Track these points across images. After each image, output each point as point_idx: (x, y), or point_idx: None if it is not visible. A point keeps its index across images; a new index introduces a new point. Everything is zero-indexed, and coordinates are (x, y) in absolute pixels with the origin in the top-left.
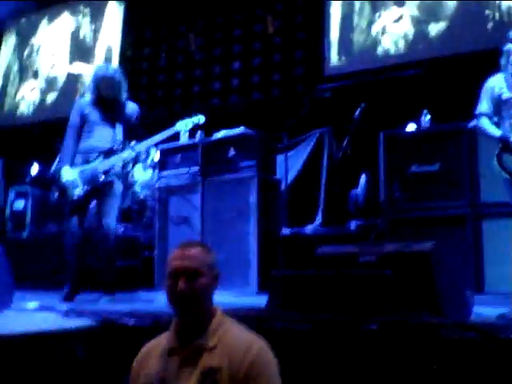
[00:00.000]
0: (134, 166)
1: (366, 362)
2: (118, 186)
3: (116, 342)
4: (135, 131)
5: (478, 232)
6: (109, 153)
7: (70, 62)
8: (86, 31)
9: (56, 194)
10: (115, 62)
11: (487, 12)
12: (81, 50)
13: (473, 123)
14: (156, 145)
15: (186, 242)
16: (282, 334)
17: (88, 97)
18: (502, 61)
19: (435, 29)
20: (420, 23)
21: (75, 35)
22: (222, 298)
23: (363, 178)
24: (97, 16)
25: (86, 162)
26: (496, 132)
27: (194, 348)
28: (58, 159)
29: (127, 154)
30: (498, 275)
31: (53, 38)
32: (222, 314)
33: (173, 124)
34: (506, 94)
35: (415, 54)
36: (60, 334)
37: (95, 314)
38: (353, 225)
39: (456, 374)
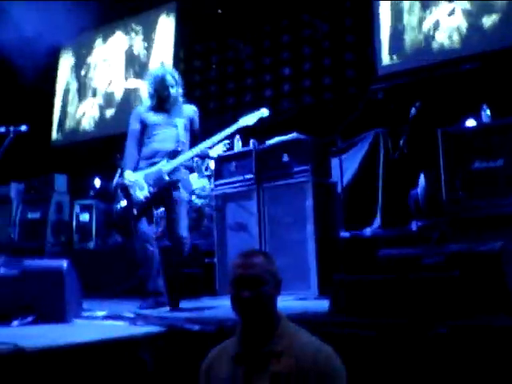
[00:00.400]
0: (190, 173)
1: (434, 368)
2: (184, 194)
3: (182, 347)
4: (196, 132)
5: None
6: (173, 154)
7: (126, 79)
8: (139, 48)
9: (121, 202)
10: None
11: None
12: (135, 67)
13: None
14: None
15: (248, 250)
16: (347, 339)
17: (146, 102)
18: None
19: (489, 21)
20: (472, 16)
21: (129, 52)
22: (284, 302)
23: (422, 177)
24: (149, 32)
25: (151, 165)
26: None
27: (261, 354)
28: (118, 173)
29: (192, 153)
30: None
31: (108, 56)
32: (287, 320)
33: (236, 120)
34: None
35: (470, 48)
36: (127, 341)
37: (161, 320)
38: (414, 226)
39: None
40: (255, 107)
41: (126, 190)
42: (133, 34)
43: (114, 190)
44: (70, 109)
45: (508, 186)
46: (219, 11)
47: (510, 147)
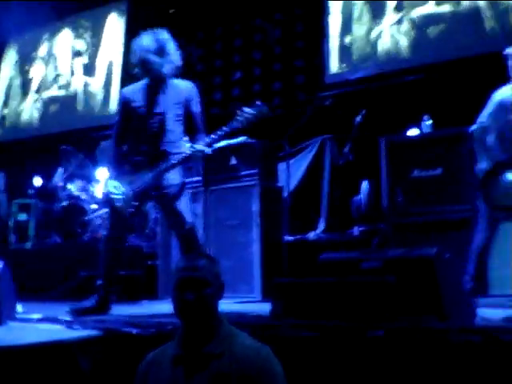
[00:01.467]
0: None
1: (371, 369)
2: (174, 189)
3: (120, 351)
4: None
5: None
6: (158, 156)
7: (72, 75)
8: (86, 45)
9: (99, 211)
10: (117, 76)
11: (485, 14)
12: (82, 64)
13: (473, 127)
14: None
15: (192, 253)
16: (287, 341)
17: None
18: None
19: (435, 32)
20: (419, 27)
21: (76, 49)
22: (227, 305)
23: (365, 184)
24: (97, 30)
25: (134, 169)
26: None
27: (201, 355)
28: (59, 171)
29: (176, 159)
30: (501, 278)
31: (54, 52)
32: (227, 322)
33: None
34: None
35: (415, 59)
36: (64, 344)
37: (99, 324)
38: (356, 231)
39: (463, 378)
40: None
41: (110, 203)
42: (81, 31)
43: (53, 190)
44: (12, 104)
45: (445, 194)
46: (171, 11)
47: (449, 157)
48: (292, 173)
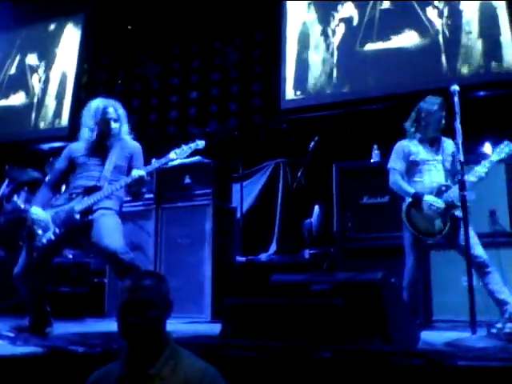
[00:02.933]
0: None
1: None
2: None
3: (65, 369)
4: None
5: (426, 262)
6: (90, 190)
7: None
8: (40, 58)
9: (24, 234)
10: (69, 87)
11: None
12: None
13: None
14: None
15: (139, 271)
16: (235, 361)
17: (84, 136)
18: (407, 124)
19: (388, 66)
20: (373, 60)
21: (28, 64)
22: (176, 325)
23: (317, 208)
24: (54, 41)
25: (66, 202)
26: (409, 189)
27: (146, 376)
28: (5, 183)
29: (109, 189)
30: (444, 303)
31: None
32: (174, 343)
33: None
34: (412, 156)
35: (367, 91)
36: (6, 360)
37: (43, 341)
38: (306, 254)
39: None
40: (160, 127)
41: (29, 228)
42: (35, 44)
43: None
44: None
45: (392, 221)
46: (129, 27)
47: None
48: (246, 194)
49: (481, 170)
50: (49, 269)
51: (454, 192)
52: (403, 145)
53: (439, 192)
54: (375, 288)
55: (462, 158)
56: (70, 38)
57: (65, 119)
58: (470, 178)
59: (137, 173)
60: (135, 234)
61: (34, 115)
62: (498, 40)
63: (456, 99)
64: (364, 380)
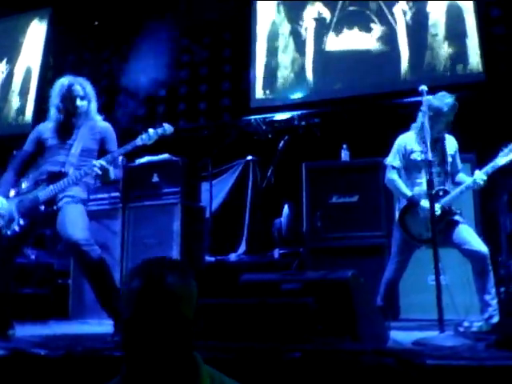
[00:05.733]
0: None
1: None
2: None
3: (27, 372)
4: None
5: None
6: (54, 176)
7: None
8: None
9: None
10: (34, 83)
11: (401, 53)
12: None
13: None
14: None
15: (151, 262)
16: (205, 362)
17: (52, 117)
18: (419, 117)
19: (357, 67)
20: (340, 61)
21: None
22: None
23: (286, 208)
24: (18, 37)
25: (31, 189)
26: (407, 191)
27: None
28: None
29: (75, 175)
30: (412, 303)
31: None
32: (207, 366)
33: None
34: (414, 155)
35: (337, 91)
36: None
37: (6, 344)
38: (276, 253)
39: None
40: (127, 126)
41: None
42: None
43: None
44: None
45: (361, 220)
46: (96, 23)
47: (365, 185)
48: (215, 193)
49: (480, 176)
50: (14, 263)
51: (451, 197)
52: (405, 141)
53: (437, 196)
54: (345, 287)
55: (430, 156)
56: (36, 33)
57: (29, 116)
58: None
59: (97, 162)
60: (101, 234)
61: None
62: (463, 43)
63: (424, 98)
64: (334, 380)
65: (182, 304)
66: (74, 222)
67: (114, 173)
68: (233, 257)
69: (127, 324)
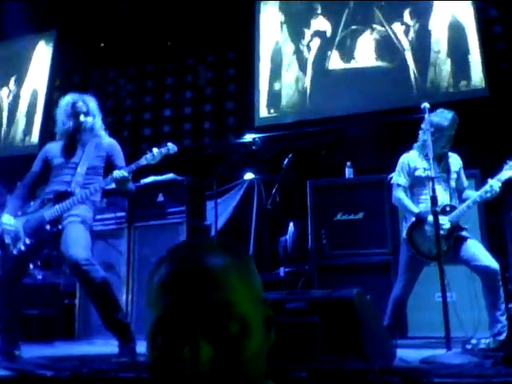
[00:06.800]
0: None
1: None
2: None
3: None
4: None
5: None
6: (61, 196)
7: None
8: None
9: None
10: (40, 105)
11: (410, 72)
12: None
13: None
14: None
15: (187, 242)
16: None
17: (60, 135)
18: (420, 136)
19: (359, 85)
20: (344, 80)
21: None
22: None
23: (291, 226)
24: (25, 59)
25: (37, 209)
26: (414, 208)
27: None
28: None
29: (82, 194)
30: (420, 320)
31: None
32: None
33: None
34: (418, 172)
35: (340, 109)
36: None
37: (11, 364)
38: (281, 271)
39: None
40: (133, 146)
41: (0, 238)
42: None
43: None
44: None
45: (366, 237)
46: (101, 45)
47: (370, 202)
48: (220, 212)
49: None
50: (20, 283)
51: (459, 212)
52: (409, 159)
53: (443, 212)
54: (350, 305)
55: (433, 173)
56: (42, 55)
57: (35, 137)
58: (495, 184)
59: (117, 173)
60: (107, 253)
61: (2, 132)
62: (466, 59)
63: (426, 116)
64: None
65: (231, 294)
66: (76, 242)
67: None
68: None
69: (158, 325)
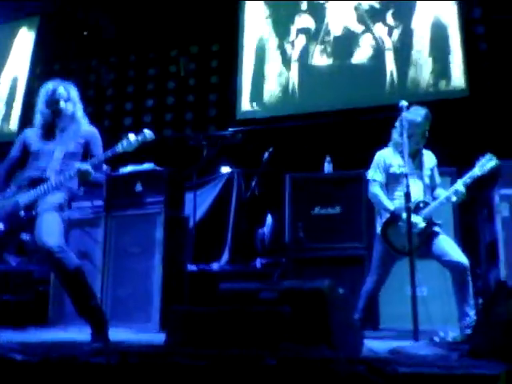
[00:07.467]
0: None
1: None
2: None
3: (2, 377)
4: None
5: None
6: (36, 181)
7: None
8: None
9: None
10: (20, 92)
11: (388, 69)
12: None
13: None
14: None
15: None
16: (180, 370)
17: (37, 120)
18: (394, 134)
19: (340, 81)
20: (325, 76)
21: None
22: (121, 334)
23: (269, 218)
24: (6, 45)
25: (14, 194)
26: (389, 205)
27: None
28: None
29: (57, 180)
30: (391, 313)
31: None
32: None
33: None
34: (393, 169)
35: (321, 105)
36: None
37: None
38: (258, 263)
39: None
40: (114, 135)
41: None
42: None
43: None
44: None
45: (342, 231)
46: (85, 33)
47: (347, 197)
48: (199, 203)
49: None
50: None
51: (432, 208)
52: (384, 156)
53: (417, 208)
54: (320, 296)
55: (407, 170)
56: (23, 42)
57: (14, 124)
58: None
59: (80, 165)
60: (83, 242)
61: None
62: (447, 59)
63: (404, 114)
64: None
65: None
66: (49, 229)
67: (96, 176)
68: (215, 266)
69: None
